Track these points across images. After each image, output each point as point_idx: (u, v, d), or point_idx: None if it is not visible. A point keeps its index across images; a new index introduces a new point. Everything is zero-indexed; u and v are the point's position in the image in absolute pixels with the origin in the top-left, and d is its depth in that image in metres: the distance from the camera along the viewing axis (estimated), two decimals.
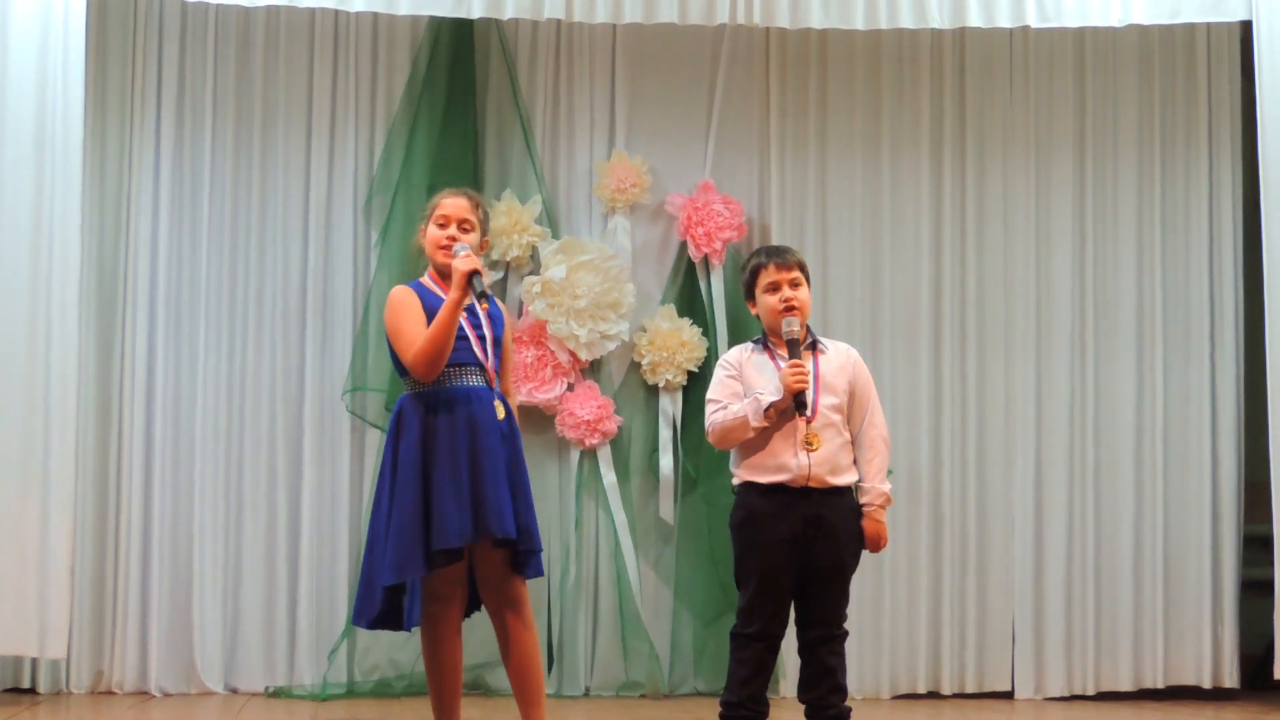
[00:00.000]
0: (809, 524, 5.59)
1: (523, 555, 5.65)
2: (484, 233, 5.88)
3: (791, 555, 5.61)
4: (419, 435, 5.60)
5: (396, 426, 5.69)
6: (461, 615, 5.82)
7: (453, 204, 5.80)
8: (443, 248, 5.73)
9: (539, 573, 5.76)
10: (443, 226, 5.77)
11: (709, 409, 5.75)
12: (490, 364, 5.71)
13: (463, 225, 5.76)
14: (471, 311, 5.72)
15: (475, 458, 5.59)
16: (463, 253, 5.61)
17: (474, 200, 5.87)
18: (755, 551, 5.64)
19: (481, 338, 5.71)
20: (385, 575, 5.58)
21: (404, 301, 5.70)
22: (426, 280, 5.79)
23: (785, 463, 5.60)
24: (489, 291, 5.62)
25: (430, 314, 5.62)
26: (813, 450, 5.59)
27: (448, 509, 5.53)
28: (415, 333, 5.61)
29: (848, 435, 5.70)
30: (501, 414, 5.67)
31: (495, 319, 5.82)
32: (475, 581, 5.77)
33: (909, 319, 8.47)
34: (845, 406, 5.71)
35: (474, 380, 5.67)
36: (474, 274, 5.54)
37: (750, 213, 8.43)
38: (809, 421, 5.60)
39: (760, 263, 5.83)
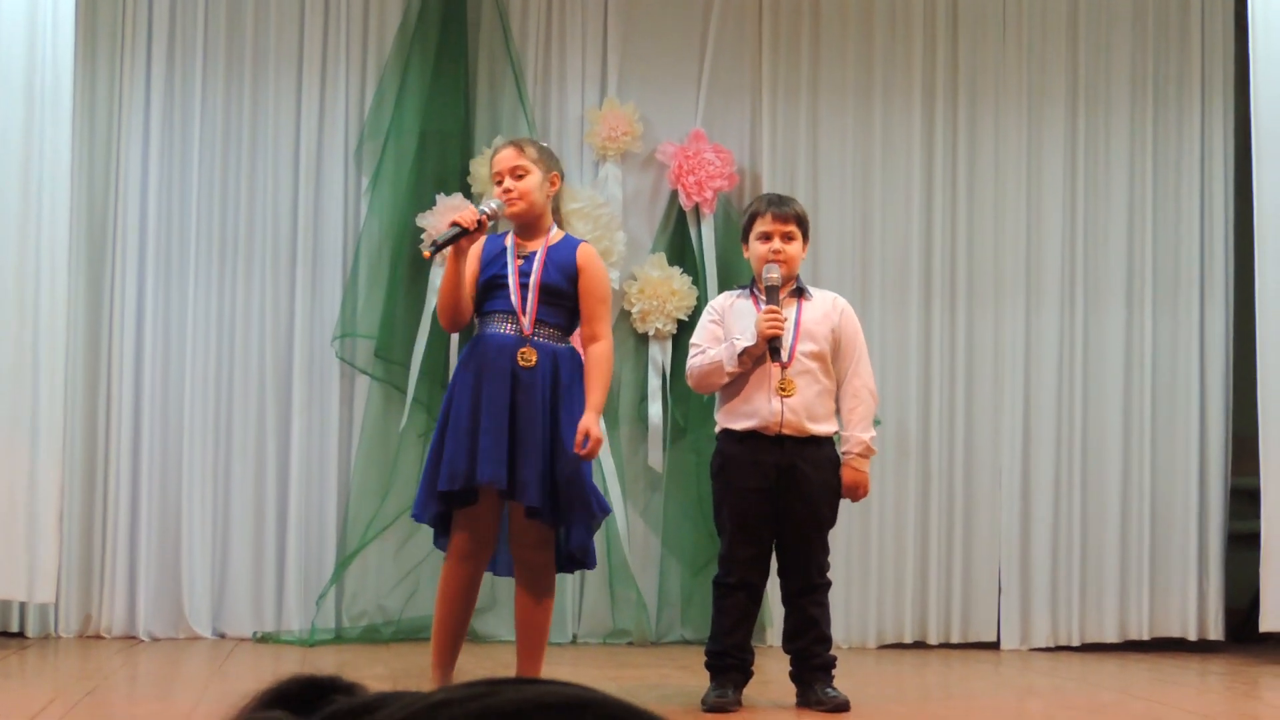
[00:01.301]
0: (783, 474, 5.61)
1: (530, 512, 5.62)
2: (548, 169, 5.85)
3: (766, 504, 5.63)
4: (453, 380, 5.75)
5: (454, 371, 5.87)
6: (482, 565, 5.81)
7: (501, 157, 5.84)
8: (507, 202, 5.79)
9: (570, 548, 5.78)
10: (499, 182, 5.79)
11: (690, 352, 5.79)
12: (529, 311, 5.70)
13: (515, 173, 5.77)
14: (527, 258, 5.74)
15: (477, 404, 5.62)
16: (479, 207, 5.65)
17: (519, 145, 5.87)
18: (730, 499, 5.67)
19: (524, 285, 5.71)
20: (414, 511, 5.82)
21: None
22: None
23: (758, 408, 5.62)
24: (438, 243, 5.59)
25: (487, 260, 5.72)
26: (787, 396, 5.60)
27: (450, 453, 5.60)
28: None
29: (829, 384, 5.71)
30: (528, 361, 5.66)
31: (556, 264, 5.77)
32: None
33: (899, 270, 8.47)
34: (828, 355, 5.71)
35: (501, 327, 5.68)
36: (452, 224, 5.57)
37: (741, 162, 8.42)
38: (784, 368, 5.60)
39: (758, 210, 5.85)
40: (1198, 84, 8.64)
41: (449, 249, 5.62)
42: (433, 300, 7.99)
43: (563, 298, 5.77)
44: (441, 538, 5.81)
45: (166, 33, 8.12)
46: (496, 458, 5.56)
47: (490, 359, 5.65)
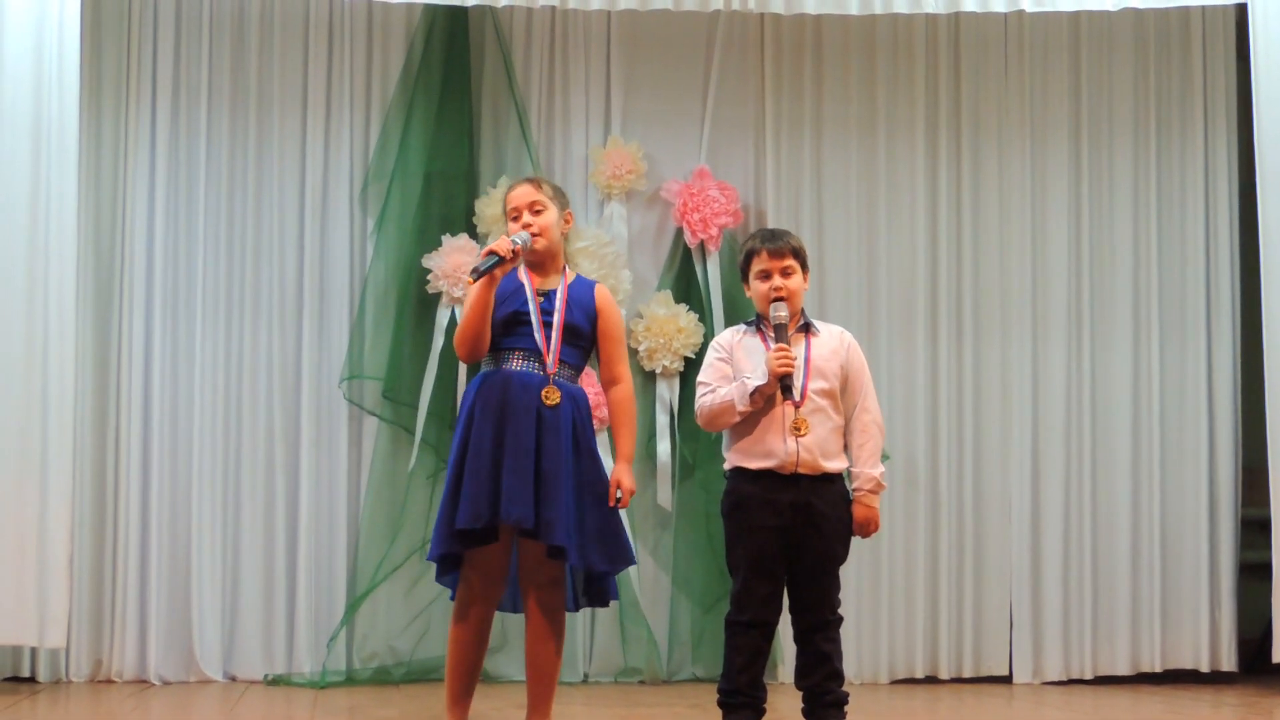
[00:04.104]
0: (798, 512, 5.59)
1: (554, 551, 5.59)
2: (562, 206, 5.86)
3: (780, 542, 5.61)
4: (467, 415, 5.66)
5: (461, 406, 5.78)
6: (493, 606, 5.77)
7: (517, 194, 5.80)
8: None
9: (590, 574, 5.76)
10: (515, 219, 5.76)
11: (699, 391, 5.75)
12: (552, 350, 5.70)
13: (533, 209, 5.76)
14: (549, 296, 5.73)
15: (500, 442, 5.59)
16: (512, 238, 5.63)
17: (535, 182, 5.86)
18: (744, 537, 5.65)
19: (548, 324, 5.71)
20: (429, 551, 5.70)
21: (471, 287, 5.70)
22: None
23: (773, 448, 5.60)
24: (480, 270, 5.57)
25: (503, 295, 5.65)
26: (801, 436, 5.59)
27: (471, 490, 5.55)
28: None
29: (839, 420, 5.69)
30: (552, 400, 5.65)
31: (577, 304, 5.77)
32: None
33: (905, 304, 8.46)
34: (838, 391, 5.70)
35: (524, 364, 5.66)
36: (489, 253, 5.54)
37: (746, 198, 8.44)
38: (797, 406, 5.59)
39: (754, 248, 5.82)
40: (1200, 113, 8.64)
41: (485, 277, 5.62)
42: (440, 341, 8.00)
43: (581, 338, 5.76)
44: (446, 575, 5.77)
45: (171, 78, 8.15)
46: (523, 497, 5.54)
47: (514, 397, 5.62)
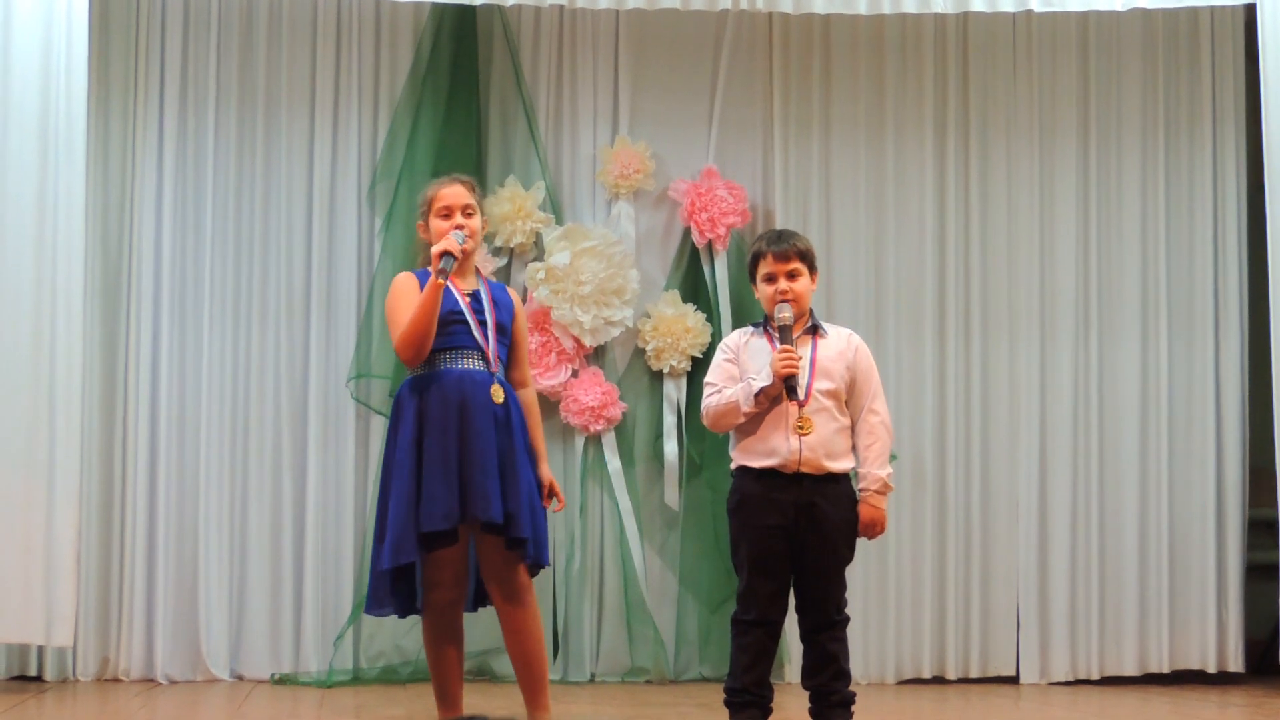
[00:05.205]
0: (801, 512, 5.58)
1: (514, 543, 5.66)
2: (482, 212, 5.98)
3: (784, 541, 5.61)
4: (414, 418, 5.68)
5: (396, 411, 5.78)
6: (461, 604, 5.84)
7: (452, 193, 5.86)
8: None
9: (536, 561, 5.77)
10: (447, 217, 5.82)
11: (705, 392, 5.76)
12: (491, 348, 5.73)
13: (465, 211, 5.83)
14: (475, 297, 5.78)
15: (465, 440, 5.63)
16: (453, 237, 5.67)
17: (468, 184, 5.94)
18: (747, 536, 5.65)
19: (483, 323, 5.75)
20: (383, 560, 5.64)
21: (402, 288, 5.78)
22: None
23: (776, 447, 5.59)
24: (447, 270, 5.61)
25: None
26: (804, 435, 5.58)
27: (436, 491, 5.58)
28: (405, 319, 5.66)
29: (845, 421, 5.68)
30: (499, 399, 5.69)
31: (501, 305, 5.85)
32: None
33: (913, 303, 8.46)
34: (843, 392, 5.69)
35: (470, 363, 5.71)
36: (445, 254, 5.59)
37: (754, 198, 8.43)
38: (801, 406, 5.58)
39: (760, 250, 5.81)
40: (1209, 113, 8.63)
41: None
42: None
43: (507, 337, 5.86)
44: (382, 602, 5.77)
45: (179, 77, 8.15)
46: (494, 493, 5.59)
47: (471, 395, 5.66)
